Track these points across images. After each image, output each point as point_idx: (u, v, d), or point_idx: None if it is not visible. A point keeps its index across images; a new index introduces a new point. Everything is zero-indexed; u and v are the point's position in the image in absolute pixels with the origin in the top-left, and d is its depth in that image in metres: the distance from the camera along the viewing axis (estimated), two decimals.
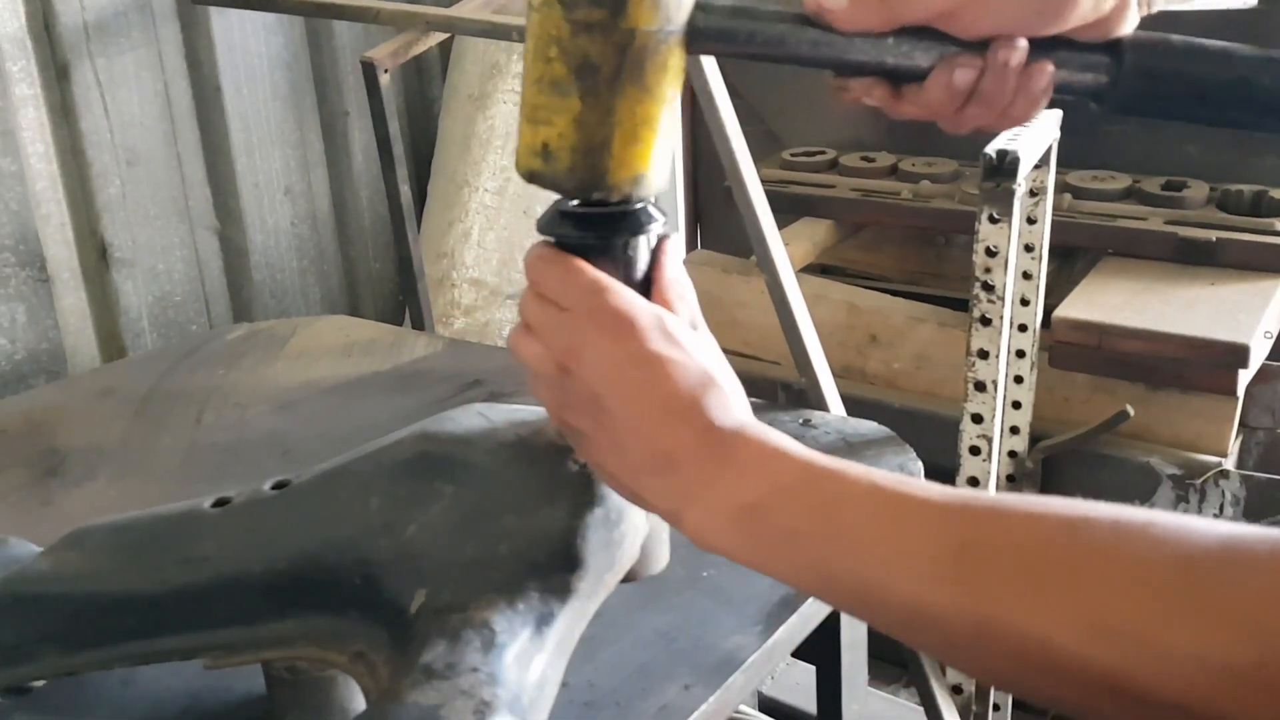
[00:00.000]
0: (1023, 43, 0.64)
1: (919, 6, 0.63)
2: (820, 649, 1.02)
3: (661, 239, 0.67)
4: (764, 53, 0.64)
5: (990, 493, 0.56)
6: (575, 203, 0.65)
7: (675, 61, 0.61)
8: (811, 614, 0.88)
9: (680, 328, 0.63)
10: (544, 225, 0.65)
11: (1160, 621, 0.45)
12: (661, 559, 0.75)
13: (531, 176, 0.62)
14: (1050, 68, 0.65)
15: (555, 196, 0.65)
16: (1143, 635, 0.46)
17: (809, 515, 0.56)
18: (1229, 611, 0.44)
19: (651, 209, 0.65)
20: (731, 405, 0.61)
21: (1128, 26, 0.66)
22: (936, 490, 0.55)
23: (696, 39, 0.62)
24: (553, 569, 0.65)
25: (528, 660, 0.60)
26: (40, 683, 0.80)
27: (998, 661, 0.51)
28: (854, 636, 1.03)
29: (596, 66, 0.59)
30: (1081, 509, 0.51)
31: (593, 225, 0.64)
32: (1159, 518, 0.49)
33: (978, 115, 0.66)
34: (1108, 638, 0.46)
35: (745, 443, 0.59)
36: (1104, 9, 0.64)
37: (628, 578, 0.71)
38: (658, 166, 0.63)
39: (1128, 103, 0.67)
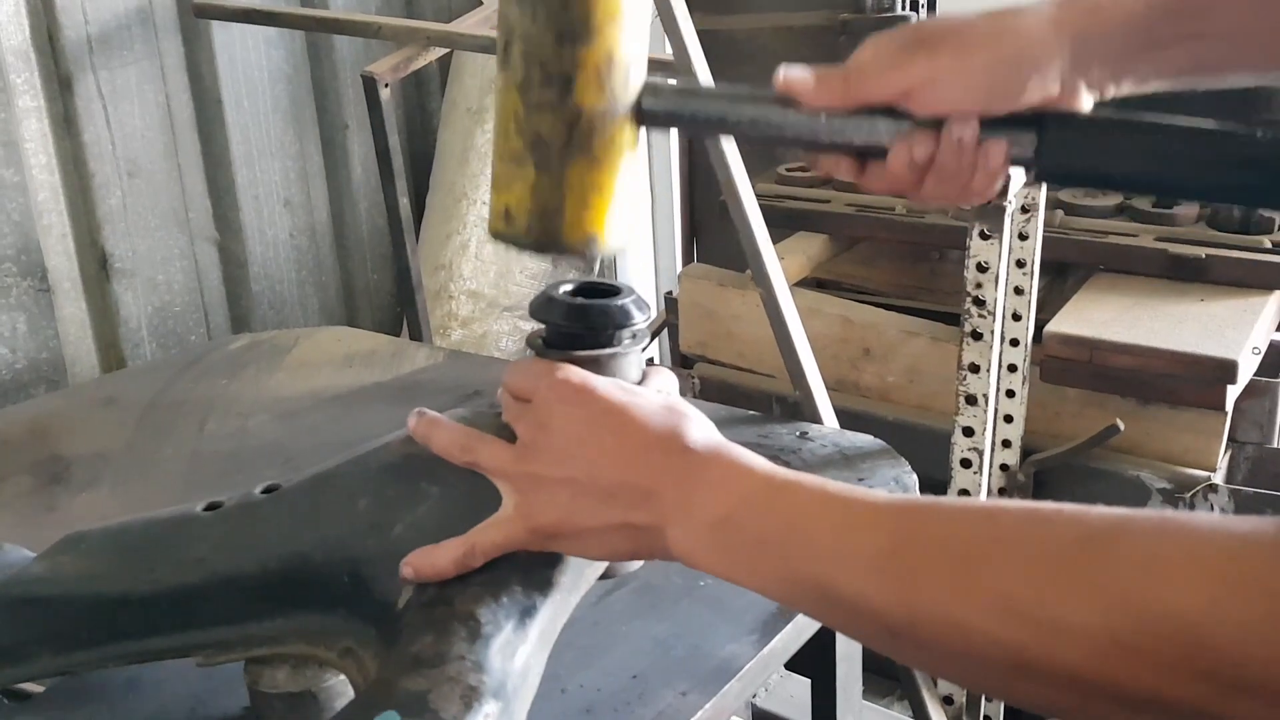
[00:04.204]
0: (974, 120, 0.68)
1: (878, 86, 0.68)
2: (815, 661, 1.03)
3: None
4: (720, 130, 0.69)
5: (934, 497, 0.59)
6: (566, 290, 0.71)
7: (625, 135, 0.66)
8: (806, 624, 0.89)
9: (637, 387, 0.69)
10: (534, 309, 0.72)
11: (1054, 598, 0.48)
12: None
13: (497, 236, 0.68)
14: (1005, 145, 0.69)
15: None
16: (1042, 612, 0.48)
17: (772, 523, 0.59)
18: (1111, 584, 0.47)
19: (635, 304, 0.71)
20: (702, 429, 0.65)
21: (1080, 107, 0.69)
22: (883, 496, 0.58)
23: (647, 119, 0.67)
24: (534, 564, 0.67)
25: (512, 650, 0.63)
26: (40, 688, 0.82)
27: (929, 650, 0.54)
28: (849, 648, 1.04)
29: (547, 141, 0.64)
30: (1003, 503, 0.54)
31: (580, 317, 0.70)
32: (1069, 505, 0.52)
33: (939, 190, 0.70)
34: (1013, 618, 0.49)
35: (717, 460, 0.63)
36: (1052, 90, 0.68)
37: (606, 574, 0.74)
38: (613, 228, 0.67)
39: (1052, 172, 0.71)
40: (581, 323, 0.70)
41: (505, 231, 0.67)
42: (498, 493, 0.68)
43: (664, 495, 0.62)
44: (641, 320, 0.71)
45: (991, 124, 0.68)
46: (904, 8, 2.43)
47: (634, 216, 0.69)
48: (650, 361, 0.75)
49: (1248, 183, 0.67)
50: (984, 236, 1.45)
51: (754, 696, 1.63)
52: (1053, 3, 0.69)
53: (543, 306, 0.71)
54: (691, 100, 0.70)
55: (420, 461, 0.70)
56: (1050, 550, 0.50)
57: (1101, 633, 0.46)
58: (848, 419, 1.38)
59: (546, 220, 0.66)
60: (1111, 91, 0.70)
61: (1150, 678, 0.45)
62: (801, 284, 2.22)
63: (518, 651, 0.63)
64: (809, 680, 1.08)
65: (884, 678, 2.03)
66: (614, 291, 0.71)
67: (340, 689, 0.73)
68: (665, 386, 0.72)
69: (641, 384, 0.71)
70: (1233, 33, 0.68)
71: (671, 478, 0.62)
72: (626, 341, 0.72)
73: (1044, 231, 1.72)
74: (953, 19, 0.70)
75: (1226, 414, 1.74)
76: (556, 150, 0.64)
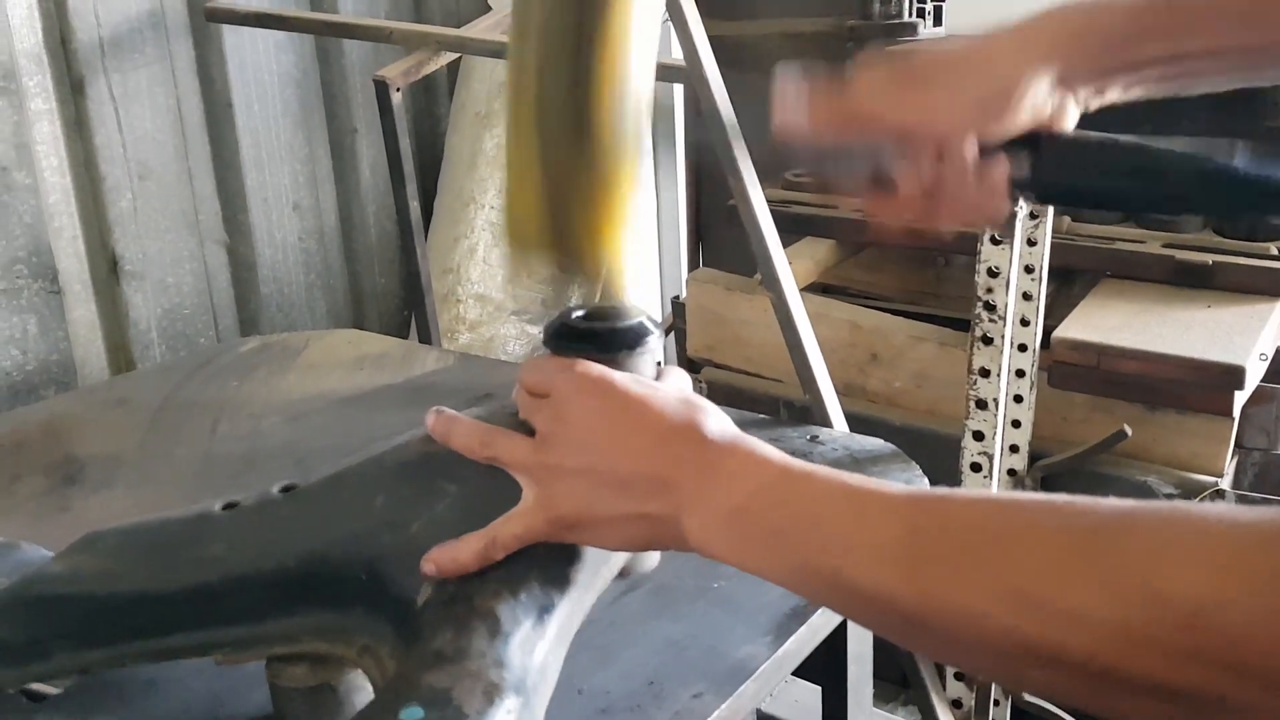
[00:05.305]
0: (972, 139, 0.73)
1: (877, 125, 0.74)
2: (826, 666, 1.03)
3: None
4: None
5: (947, 488, 0.60)
6: (578, 314, 0.72)
7: (635, 151, 0.69)
8: (820, 625, 0.90)
9: (653, 381, 0.70)
10: (548, 337, 0.73)
11: (1065, 588, 0.49)
12: (653, 558, 0.78)
13: (511, 243, 0.71)
14: (1005, 162, 0.74)
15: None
16: (1053, 601, 0.49)
17: (787, 513, 0.60)
18: (1122, 573, 0.48)
19: (648, 322, 0.73)
20: (719, 421, 0.66)
21: (1067, 125, 0.74)
22: (897, 487, 0.59)
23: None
24: (552, 561, 0.67)
25: (531, 646, 0.63)
26: (58, 689, 0.82)
27: (942, 639, 0.55)
28: (860, 650, 1.04)
29: (558, 153, 0.67)
30: (1015, 494, 0.56)
31: (592, 339, 0.71)
32: (1080, 497, 0.52)
33: (952, 212, 0.76)
34: (1024, 607, 0.50)
35: (734, 451, 0.64)
36: (1043, 111, 0.73)
37: (621, 574, 0.74)
38: (618, 244, 0.69)
39: (1049, 188, 0.77)
40: (595, 347, 0.71)
41: (515, 239, 0.69)
42: (515, 490, 0.68)
43: (681, 485, 0.63)
44: (654, 337, 0.73)
45: (990, 147, 0.73)
46: (911, 14, 2.44)
47: (638, 237, 0.72)
48: (658, 366, 0.76)
49: (1220, 199, 0.74)
50: (995, 241, 1.46)
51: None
52: (1034, 28, 0.74)
53: (555, 335, 0.72)
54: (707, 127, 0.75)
55: (438, 460, 0.71)
56: (1061, 540, 0.51)
57: (1112, 622, 0.47)
58: (855, 424, 1.39)
59: (556, 227, 0.68)
60: (1096, 103, 0.75)
61: (1160, 666, 0.46)
62: (808, 289, 2.23)
63: (536, 648, 0.64)
64: (817, 686, 1.08)
65: (891, 683, 2.03)
66: (622, 315, 0.73)
67: (360, 682, 0.74)
68: (679, 383, 0.73)
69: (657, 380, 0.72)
70: (1211, 51, 0.72)
71: (689, 468, 0.63)
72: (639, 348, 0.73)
73: (1052, 237, 1.73)
74: (939, 50, 0.77)
75: (1234, 420, 1.75)
76: (566, 159, 0.66)
